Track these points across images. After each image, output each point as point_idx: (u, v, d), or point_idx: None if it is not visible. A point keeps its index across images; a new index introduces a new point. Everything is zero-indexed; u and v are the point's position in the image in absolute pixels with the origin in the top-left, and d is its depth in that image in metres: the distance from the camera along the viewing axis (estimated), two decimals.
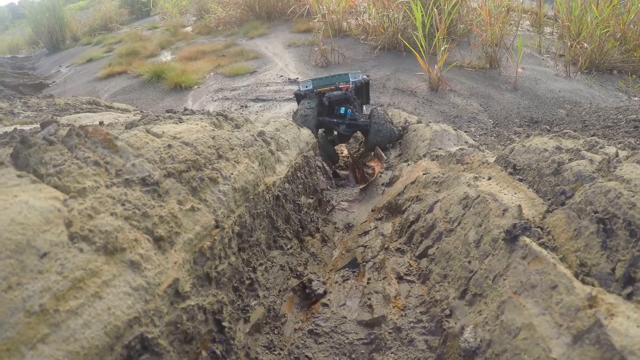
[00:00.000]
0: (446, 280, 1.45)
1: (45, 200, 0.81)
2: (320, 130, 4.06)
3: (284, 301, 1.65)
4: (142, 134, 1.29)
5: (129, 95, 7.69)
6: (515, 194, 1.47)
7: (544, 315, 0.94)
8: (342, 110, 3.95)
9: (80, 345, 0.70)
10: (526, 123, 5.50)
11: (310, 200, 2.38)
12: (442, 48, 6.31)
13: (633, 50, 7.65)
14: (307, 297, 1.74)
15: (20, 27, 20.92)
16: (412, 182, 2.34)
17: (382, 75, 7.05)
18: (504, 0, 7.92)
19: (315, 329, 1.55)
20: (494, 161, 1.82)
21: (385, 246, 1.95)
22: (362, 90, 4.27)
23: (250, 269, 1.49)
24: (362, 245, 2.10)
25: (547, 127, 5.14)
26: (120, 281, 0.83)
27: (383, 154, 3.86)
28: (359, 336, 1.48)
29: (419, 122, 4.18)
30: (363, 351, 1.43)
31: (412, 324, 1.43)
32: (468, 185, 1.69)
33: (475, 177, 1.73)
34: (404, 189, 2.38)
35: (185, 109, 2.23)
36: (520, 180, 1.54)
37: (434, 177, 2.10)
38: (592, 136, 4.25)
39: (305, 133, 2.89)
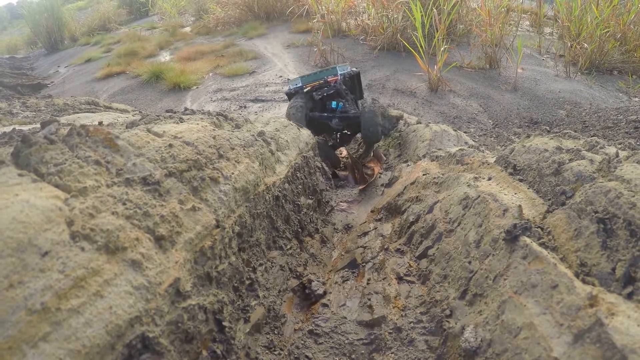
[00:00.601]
0: (446, 281, 1.45)
1: (47, 199, 0.81)
2: (320, 135, 4.03)
3: (284, 301, 1.65)
4: (143, 133, 1.29)
5: (127, 96, 7.68)
6: (515, 194, 1.47)
7: (545, 314, 0.95)
8: (334, 104, 3.92)
9: (82, 344, 0.70)
10: (526, 124, 5.50)
11: (310, 201, 2.38)
12: (442, 48, 6.32)
13: (633, 51, 7.65)
14: (307, 298, 1.74)
15: (19, 27, 20.91)
16: (412, 183, 2.34)
17: (382, 75, 7.05)
18: (503, 1, 7.92)
19: (315, 329, 1.55)
20: (494, 161, 1.82)
21: (385, 247, 1.95)
22: (355, 85, 4.24)
23: (250, 269, 1.49)
24: (361, 246, 2.10)
25: (547, 127, 5.14)
26: (122, 280, 0.83)
27: (382, 155, 3.86)
28: (359, 336, 1.48)
29: (418, 122, 4.18)
30: (363, 351, 1.43)
31: (412, 324, 1.43)
32: (468, 185, 1.70)
33: (476, 178, 1.74)
34: (404, 189, 2.38)
35: (186, 109, 2.23)
36: (521, 180, 1.54)
37: (434, 178, 2.10)
38: (592, 137, 4.26)
39: (305, 133, 2.89)
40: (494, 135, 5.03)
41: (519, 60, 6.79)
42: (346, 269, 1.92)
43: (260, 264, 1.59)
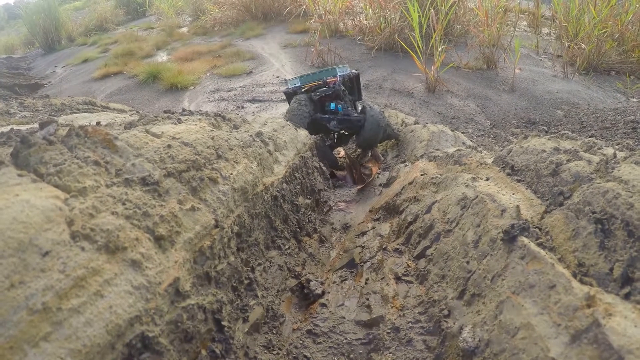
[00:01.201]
0: (444, 281, 1.45)
1: (47, 199, 0.81)
2: (317, 135, 4.00)
3: (283, 301, 1.65)
4: (142, 134, 1.29)
5: (124, 96, 7.68)
6: (513, 194, 1.47)
7: (542, 315, 0.95)
8: (332, 106, 3.86)
9: (82, 344, 0.71)
10: (524, 124, 5.51)
11: (308, 201, 2.38)
12: (439, 49, 6.33)
13: (631, 51, 7.66)
14: (306, 297, 1.74)
15: (16, 27, 20.89)
16: (410, 183, 2.34)
17: (379, 76, 7.06)
18: (501, 1, 7.93)
19: (314, 329, 1.55)
20: (492, 162, 1.83)
21: (383, 247, 1.96)
22: (353, 86, 4.20)
23: (249, 268, 1.50)
24: (359, 246, 2.10)
25: (545, 128, 5.16)
26: (122, 280, 0.83)
27: (380, 155, 3.86)
28: (357, 336, 1.48)
29: (416, 123, 4.18)
30: (361, 351, 1.43)
31: (410, 324, 1.43)
32: (466, 186, 1.70)
33: (473, 178, 1.74)
34: (402, 189, 2.38)
35: (184, 110, 2.23)
36: (519, 181, 1.54)
37: (432, 178, 2.10)
38: (590, 137, 4.27)
39: (303, 134, 2.89)
40: (491, 136, 5.04)
41: (517, 61, 6.80)
42: (344, 269, 1.93)
43: (259, 264, 1.60)
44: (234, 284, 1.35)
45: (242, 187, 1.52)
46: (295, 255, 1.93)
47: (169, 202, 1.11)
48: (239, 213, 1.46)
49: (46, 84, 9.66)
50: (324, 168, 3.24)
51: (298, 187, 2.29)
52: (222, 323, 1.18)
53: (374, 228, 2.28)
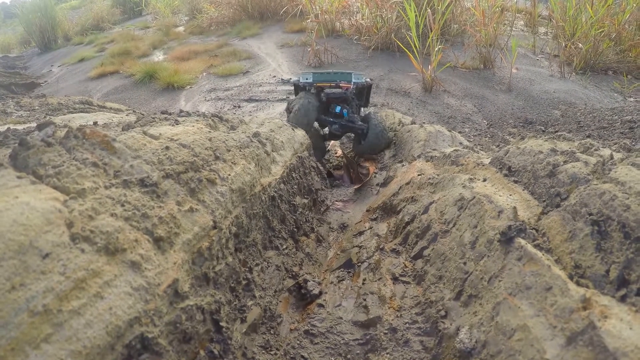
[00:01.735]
0: (441, 282, 1.46)
1: (46, 201, 0.81)
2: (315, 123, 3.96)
3: (280, 301, 1.65)
4: (139, 135, 1.29)
5: (121, 95, 7.65)
6: (510, 195, 1.48)
7: (539, 316, 0.96)
8: (338, 109, 3.83)
9: (83, 345, 0.71)
10: (521, 124, 5.52)
11: (305, 201, 2.39)
12: (436, 48, 6.32)
13: (628, 51, 7.66)
14: (303, 298, 1.74)
15: (12, 26, 20.79)
16: (407, 183, 2.35)
17: (376, 75, 7.05)
18: (497, 0, 7.93)
19: (311, 330, 1.56)
20: (489, 163, 1.84)
21: (381, 247, 1.96)
22: (364, 94, 4.16)
23: (247, 269, 1.50)
24: (357, 246, 2.11)
25: (542, 128, 5.17)
26: (121, 281, 0.84)
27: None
28: (354, 337, 1.49)
29: (413, 122, 4.19)
30: (358, 351, 1.44)
31: (407, 325, 1.44)
32: (463, 186, 1.71)
33: (471, 179, 1.75)
34: (399, 189, 2.39)
35: (181, 111, 2.23)
36: (516, 182, 1.55)
37: (429, 178, 2.11)
38: (587, 137, 4.29)
39: (300, 134, 2.89)
40: (488, 136, 5.05)
41: (514, 60, 6.81)
42: (342, 269, 1.93)
43: (257, 264, 1.60)
44: (232, 285, 1.35)
45: (240, 187, 1.52)
46: (293, 255, 1.93)
47: (167, 204, 1.11)
48: (236, 214, 1.46)
49: (42, 83, 9.62)
50: (321, 168, 3.25)
51: (295, 187, 2.30)
52: (220, 324, 1.18)
53: (371, 228, 2.28)
